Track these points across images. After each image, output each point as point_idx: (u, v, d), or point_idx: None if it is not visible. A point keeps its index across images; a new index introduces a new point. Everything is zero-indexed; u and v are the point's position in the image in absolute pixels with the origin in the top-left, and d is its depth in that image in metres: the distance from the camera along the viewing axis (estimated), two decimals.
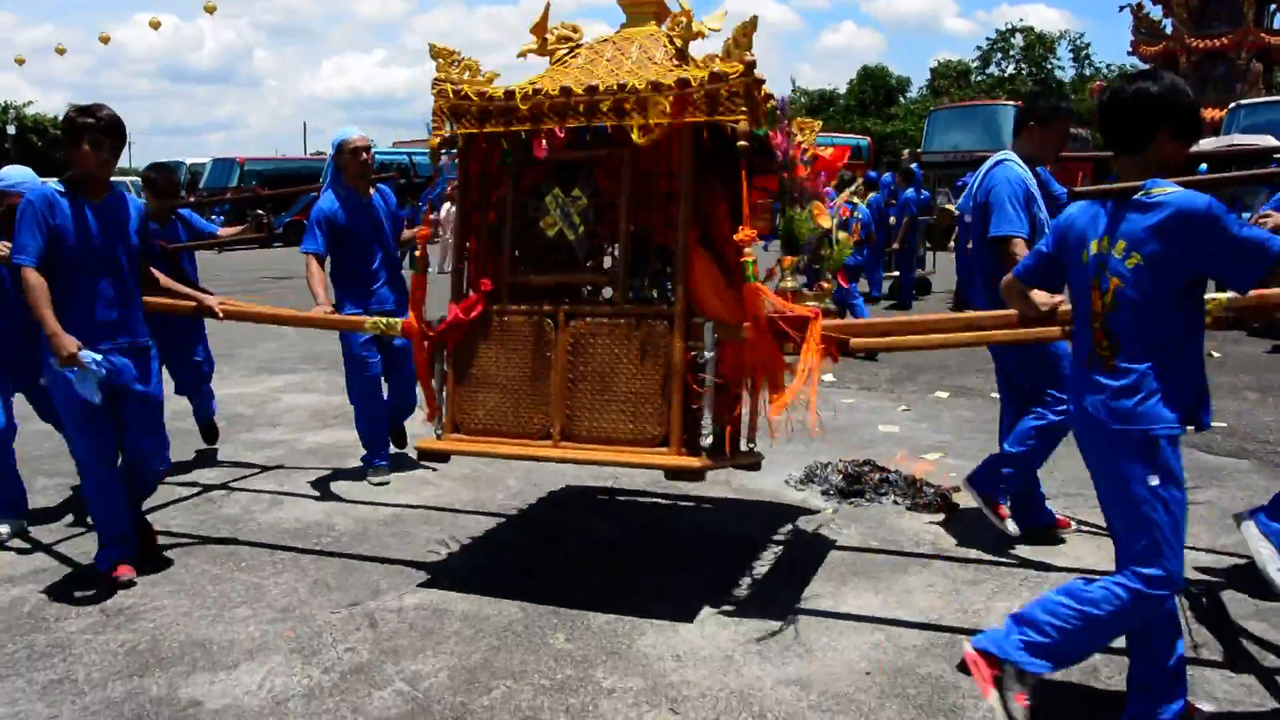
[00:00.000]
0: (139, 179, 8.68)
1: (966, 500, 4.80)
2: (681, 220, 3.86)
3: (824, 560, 4.44)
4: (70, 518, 5.17)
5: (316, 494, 5.52)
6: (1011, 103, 25.64)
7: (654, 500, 5.32)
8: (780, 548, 4.63)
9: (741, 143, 3.67)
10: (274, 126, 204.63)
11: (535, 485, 5.56)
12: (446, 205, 21.67)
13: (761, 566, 4.38)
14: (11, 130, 48.97)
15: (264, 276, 18.90)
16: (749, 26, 3.69)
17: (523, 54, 4.43)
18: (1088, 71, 54.73)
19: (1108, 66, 55.12)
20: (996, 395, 5.16)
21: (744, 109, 3.66)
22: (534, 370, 4.03)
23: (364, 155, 5.62)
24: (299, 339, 11.82)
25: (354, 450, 6.18)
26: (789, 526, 4.90)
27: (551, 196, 4.10)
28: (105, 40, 28.16)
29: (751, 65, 3.66)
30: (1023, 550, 4.50)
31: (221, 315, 4.76)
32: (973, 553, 4.51)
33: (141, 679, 3.44)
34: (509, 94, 3.95)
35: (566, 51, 4.36)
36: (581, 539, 4.78)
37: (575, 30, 4.43)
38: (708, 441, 3.98)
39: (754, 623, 3.78)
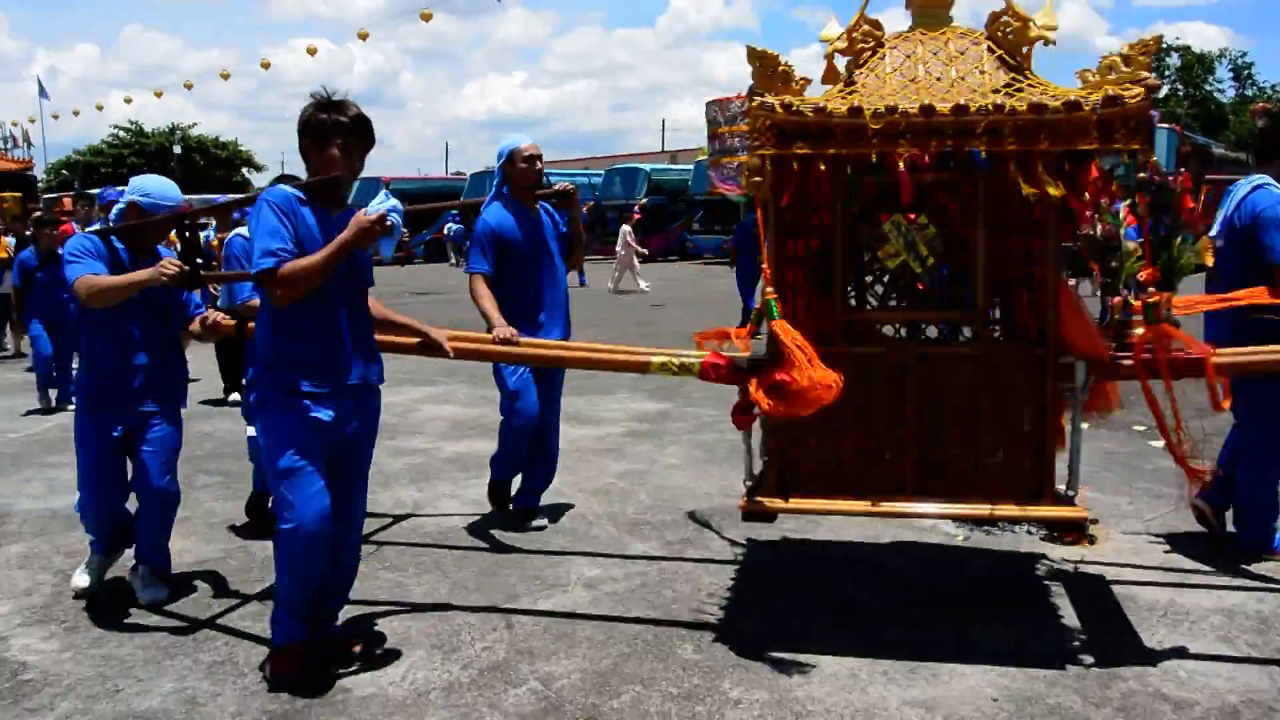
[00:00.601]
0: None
1: (1104, 531, 4.71)
2: (1050, 251, 3.59)
3: (953, 585, 4.42)
4: (225, 515, 5.52)
5: (456, 501, 5.74)
6: (1168, 126, 24.69)
7: (783, 519, 5.36)
8: (908, 571, 4.62)
9: (1141, 175, 3.50)
10: (417, 147, 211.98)
11: (666, 501, 5.68)
12: (625, 227, 22.76)
13: (888, 588, 4.38)
14: (177, 150, 52.06)
15: (405, 291, 19.59)
16: (1150, 45, 3.36)
17: (830, 51, 3.83)
18: (1250, 92, 52.28)
19: (1273, 87, 52.59)
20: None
21: (1141, 138, 3.30)
22: (881, 417, 3.71)
23: (538, 164, 5.14)
24: None
25: (484, 462, 6.42)
26: (917, 550, 4.88)
27: (892, 224, 3.72)
28: (266, 66, 29.78)
29: (1154, 89, 3.30)
30: (1158, 589, 4.38)
31: (453, 354, 4.05)
32: (1109, 585, 4.41)
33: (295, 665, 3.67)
34: (854, 111, 3.41)
35: (869, 51, 3.84)
36: (713, 552, 4.86)
37: (877, 27, 3.87)
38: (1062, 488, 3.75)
39: (880, 644, 3.79)
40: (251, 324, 3.97)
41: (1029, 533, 5.10)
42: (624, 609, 4.14)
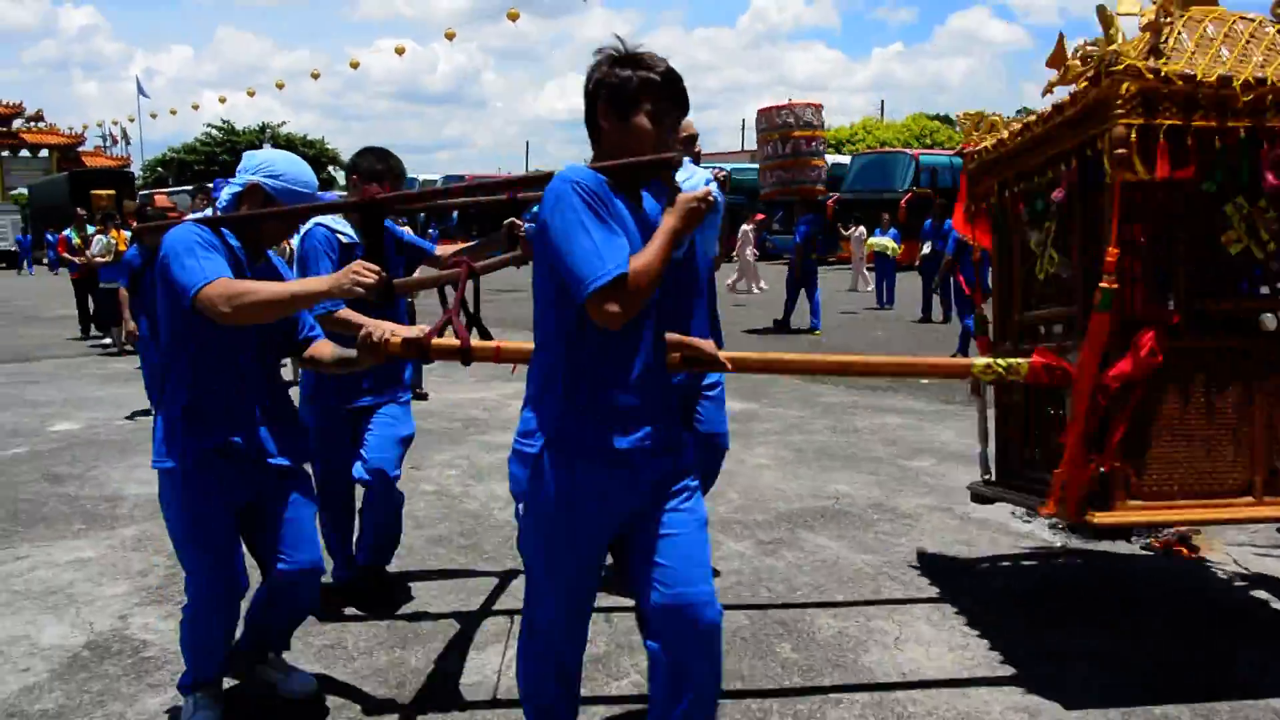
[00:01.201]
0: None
1: (1206, 541, 4.61)
2: None
3: (1053, 593, 4.36)
4: None
5: None
6: None
7: (877, 521, 5.34)
8: (1008, 578, 4.57)
9: None
10: (497, 145, 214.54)
11: (756, 500, 5.69)
12: (745, 226, 22.81)
13: (987, 592, 4.34)
14: (267, 148, 53.33)
15: (491, 289, 19.81)
16: None
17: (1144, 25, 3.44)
18: None
19: None
20: None
21: None
22: (1228, 416, 3.49)
23: (695, 146, 4.40)
24: None
25: None
26: (1017, 558, 4.83)
27: (1233, 206, 3.47)
28: (355, 65, 30.54)
29: None
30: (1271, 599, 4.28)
31: (731, 367, 2.96)
32: (1210, 597, 4.32)
33: (403, 651, 3.77)
34: (1223, 80, 3.22)
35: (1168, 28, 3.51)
36: (806, 553, 4.86)
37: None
38: None
39: (980, 649, 3.77)
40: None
41: (1128, 541, 5.02)
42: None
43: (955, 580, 4.49)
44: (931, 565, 4.71)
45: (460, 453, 6.89)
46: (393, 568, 4.61)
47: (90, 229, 13.23)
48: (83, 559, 4.90)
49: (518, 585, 4.42)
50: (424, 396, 8.93)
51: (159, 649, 3.83)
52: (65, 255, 11.27)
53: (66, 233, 11.62)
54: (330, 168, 67.40)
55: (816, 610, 4.14)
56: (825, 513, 5.49)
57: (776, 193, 15.59)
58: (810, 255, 14.95)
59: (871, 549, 4.92)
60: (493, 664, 3.67)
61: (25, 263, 39.48)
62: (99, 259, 12.33)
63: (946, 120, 62.67)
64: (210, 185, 12.08)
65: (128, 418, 8.61)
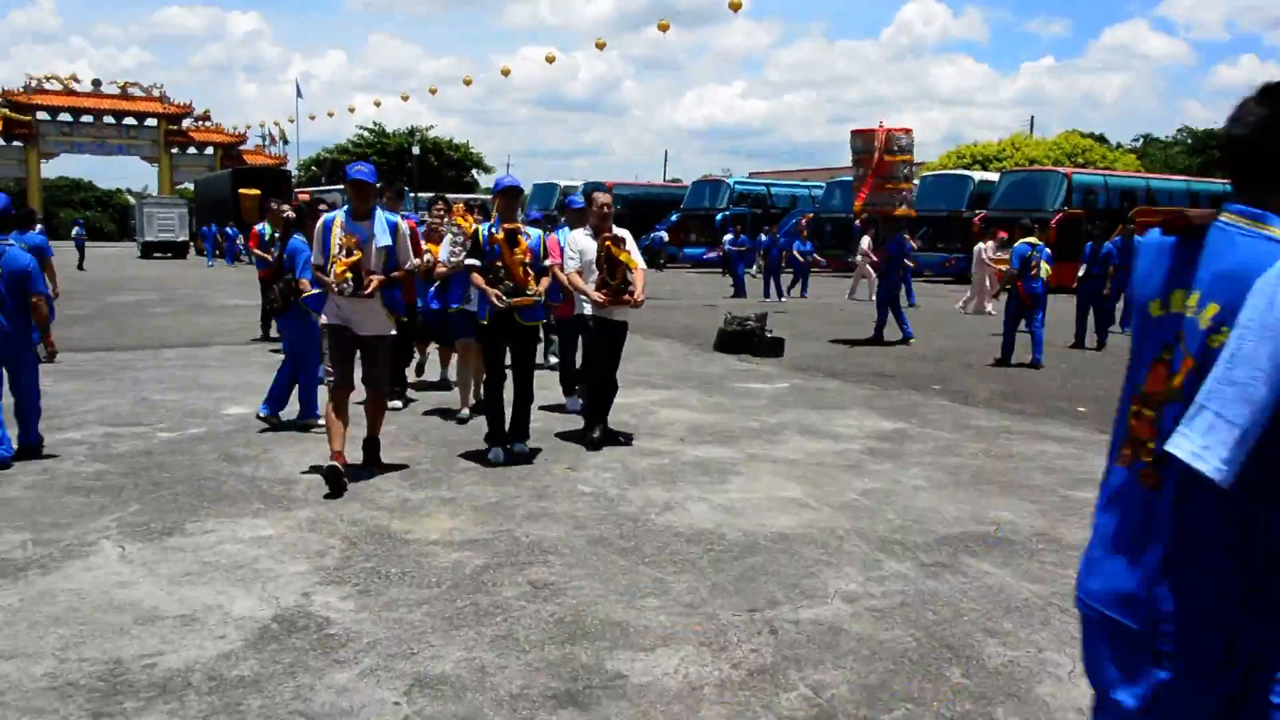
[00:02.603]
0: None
1: None
2: None
3: None
4: (486, 499, 5.85)
5: (704, 505, 5.87)
6: None
7: (1041, 551, 5.21)
8: None
9: None
10: (634, 153, 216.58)
11: (914, 522, 5.62)
12: (865, 238, 22.93)
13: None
14: (415, 151, 55.17)
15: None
16: None
17: None
18: None
19: None
20: None
21: None
22: None
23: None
24: (668, 358, 12.51)
25: (733, 467, 6.59)
26: None
27: None
28: (506, 73, 31.37)
29: None
30: None
31: None
32: None
33: (572, 646, 3.86)
34: None
35: None
36: (970, 578, 4.77)
37: None
38: None
39: None
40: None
41: None
42: (886, 626, 4.13)
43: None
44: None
45: (613, 456, 6.99)
46: (554, 564, 4.73)
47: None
48: (263, 536, 5.16)
49: (681, 590, 4.47)
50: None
51: (341, 627, 4.02)
52: (256, 251, 11.54)
53: (260, 227, 11.87)
54: (474, 171, 69.27)
55: (985, 636, 4.06)
56: (987, 539, 5.38)
57: (867, 213, 16.35)
58: (898, 272, 15.64)
59: (1039, 579, 4.80)
60: (662, 666, 3.72)
61: (207, 253, 40.86)
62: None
63: (1101, 139, 60.57)
64: (402, 185, 12.41)
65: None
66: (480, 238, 6.84)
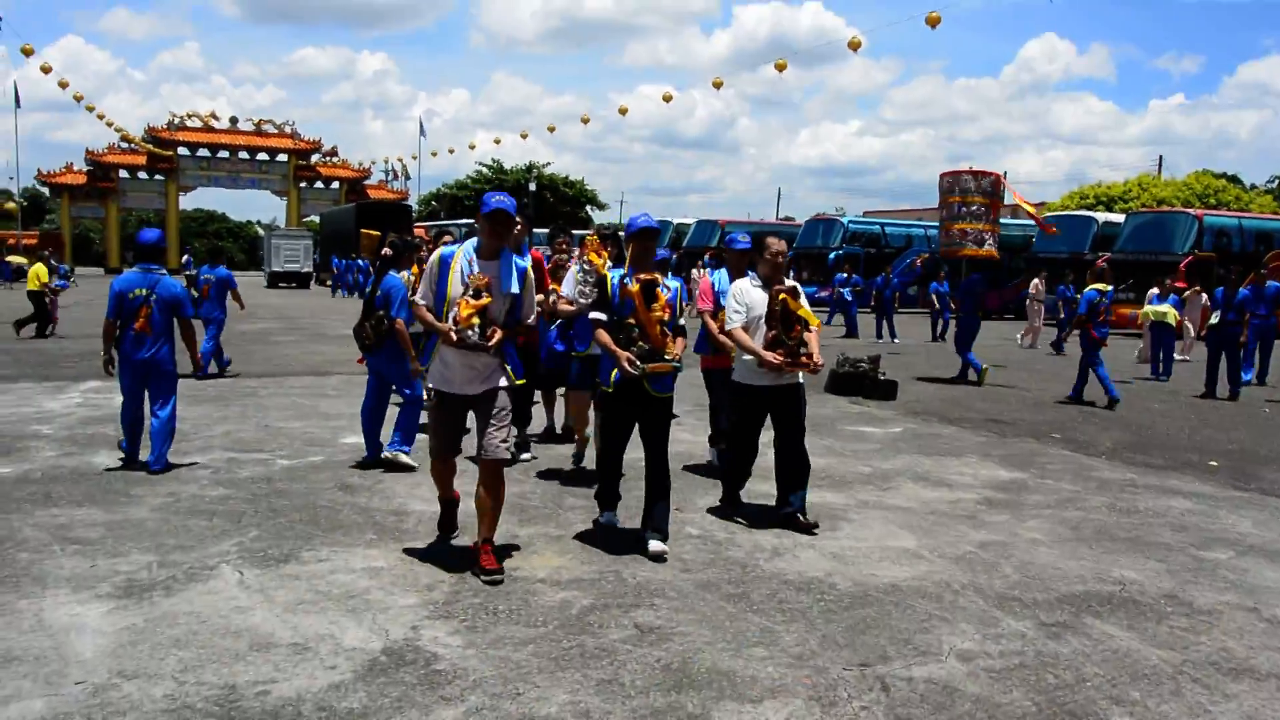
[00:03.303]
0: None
1: None
2: None
3: None
4: (592, 538, 5.83)
5: (813, 551, 5.75)
6: None
7: (1170, 614, 4.95)
8: None
9: None
10: (748, 190, 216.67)
11: (1034, 578, 5.41)
12: (1035, 280, 23.12)
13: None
14: (532, 187, 56.25)
15: None
16: None
17: None
18: None
19: None
20: None
21: None
22: None
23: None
24: None
25: (844, 513, 6.45)
26: None
27: None
28: (623, 111, 31.70)
29: None
30: None
31: None
32: None
33: (678, 695, 3.80)
34: None
35: None
36: (1094, 641, 4.56)
37: None
38: None
39: None
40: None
41: None
42: (1004, 688, 3.96)
43: (1269, 690, 4.09)
44: (1240, 670, 4.30)
45: (720, 497, 6.92)
46: (661, 608, 4.69)
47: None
48: (375, 568, 5.25)
49: (790, 640, 4.38)
50: None
51: (448, 663, 4.04)
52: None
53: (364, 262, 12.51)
54: (589, 207, 70.24)
55: (1110, 705, 3.86)
56: (1112, 599, 5.14)
57: (948, 253, 16.35)
58: (976, 313, 15.58)
59: (1167, 644, 4.56)
60: (769, 718, 3.63)
61: (334, 286, 41.56)
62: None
63: (1234, 180, 58.22)
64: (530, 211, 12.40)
65: None
66: (609, 288, 5.77)
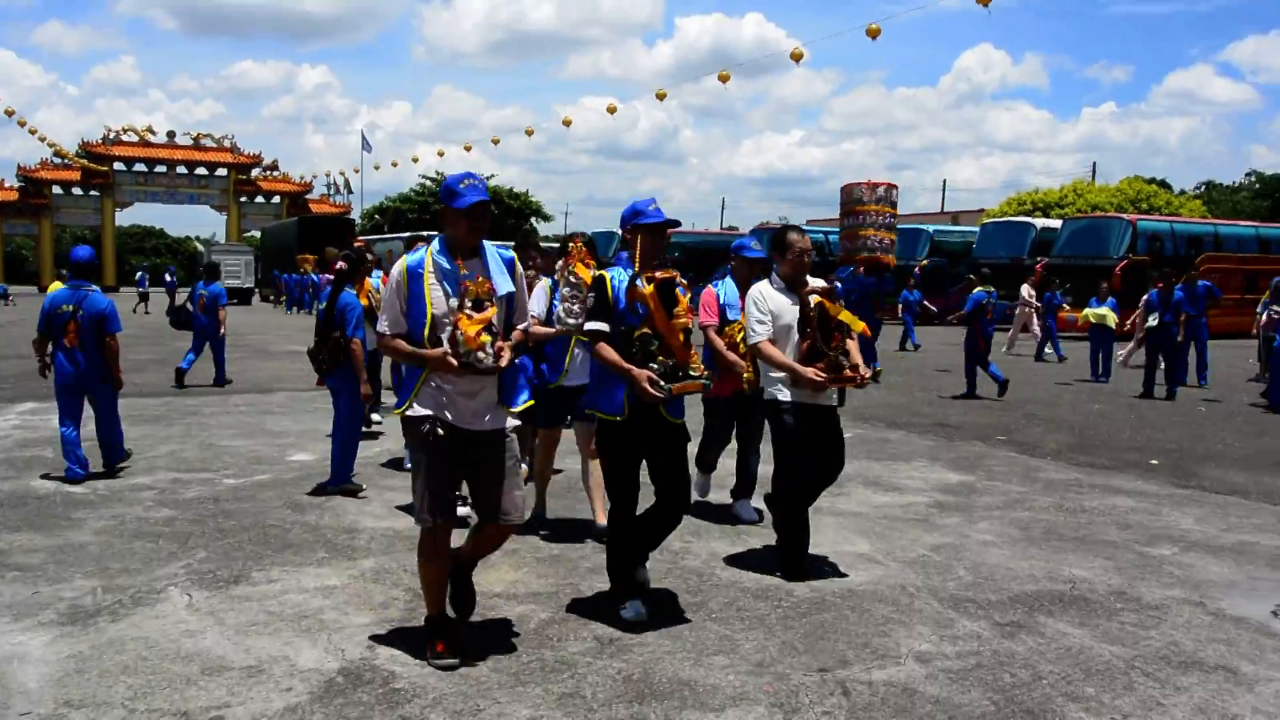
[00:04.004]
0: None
1: None
2: None
3: None
4: (549, 551, 5.80)
5: (770, 560, 5.77)
6: None
7: (1120, 610, 5.03)
8: None
9: None
10: (693, 201, 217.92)
11: (986, 579, 5.47)
12: (1025, 286, 23.53)
13: (1260, 704, 4.00)
14: None
15: None
16: None
17: None
18: None
19: None
20: None
21: None
22: None
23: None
24: None
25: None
26: None
27: None
28: (567, 123, 31.69)
29: None
30: None
31: None
32: None
33: (640, 706, 3.78)
34: None
35: None
36: (1047, 639, 4.61)
37: None
38: None
39: None
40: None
41: None
42: (962, 688, 4.00)
43: (1217, 682, 4.17)
44: (1189, 663, 4.38)
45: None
46: (619, 619, 4.66)
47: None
48: (328, 586, 5.17)
49: (749, 648, 4.38)
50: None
51: (407, 681, 3.98)
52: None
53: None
54: (532, 219, 70.04)
55: (1066, 702, 3.91)
56: (1063, 597, 5.21)
57: (843, 259, 17.63)
58: (874, 314, 15.75)
59: (1119, 640, 4.63)
60: None
61: (288, 301, 40.40)
62: None
63: (1164, 185, 59.64)
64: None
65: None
66: (610, 289, 4.65)
